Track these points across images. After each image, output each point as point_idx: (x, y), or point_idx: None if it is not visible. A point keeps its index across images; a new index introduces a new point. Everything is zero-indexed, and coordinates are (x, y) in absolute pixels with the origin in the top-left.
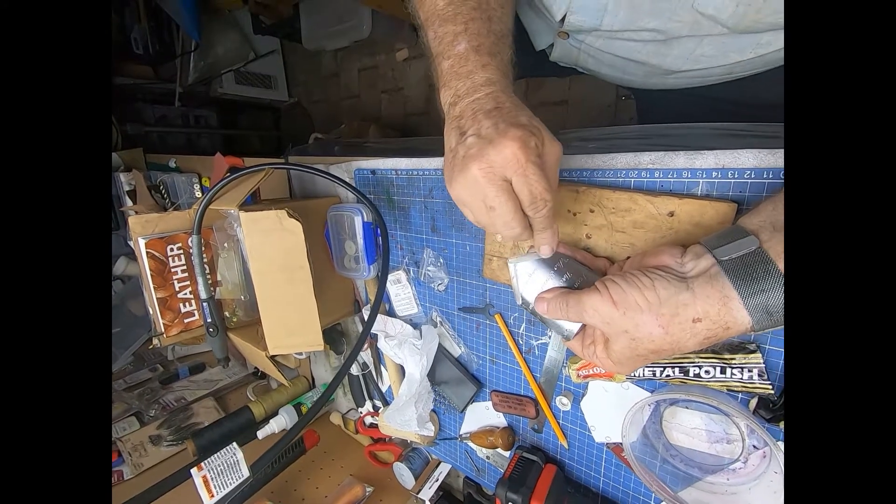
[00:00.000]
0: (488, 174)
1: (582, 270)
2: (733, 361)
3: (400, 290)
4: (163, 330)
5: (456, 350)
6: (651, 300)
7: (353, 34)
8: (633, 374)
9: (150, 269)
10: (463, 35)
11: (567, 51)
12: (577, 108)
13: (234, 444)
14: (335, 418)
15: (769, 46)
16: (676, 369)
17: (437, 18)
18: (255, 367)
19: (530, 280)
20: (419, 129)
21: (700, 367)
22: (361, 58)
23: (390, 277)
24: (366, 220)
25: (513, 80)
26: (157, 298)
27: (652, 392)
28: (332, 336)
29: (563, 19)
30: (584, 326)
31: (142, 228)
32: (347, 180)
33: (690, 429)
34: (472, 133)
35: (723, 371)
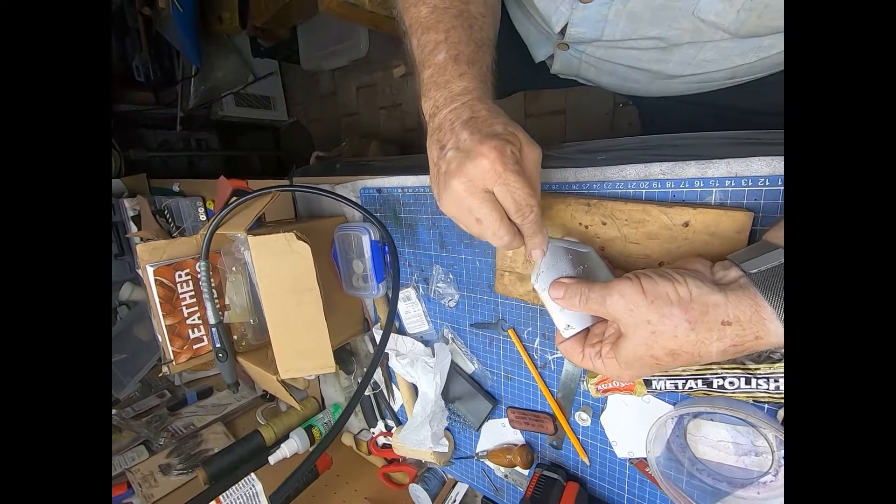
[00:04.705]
0: (469, 187)
1: (608, 277)
2: (758, 372)
3: (410, 307)
4: (172, 358)
5: (469, 367)
6: (682, 294)
7: (352, 53)
8: (654, 388)
9: (159, 297)
10: (443, 44)
11: (568, 62)
12: (575, 116)
13: (253, 475)
14: (346, 439)
15: (771, 49)
16: (699, 381)
17: (420, 27)
18: (264, 390)
19: (551, 268)
20: (418, 144)
21: (724, 378)
22: (359, 76)
23: (399, 295)
24: (373, 238)
25: (492, 86)
26: (167, 326)
27: (674, 405)
28: (342, 356)
29: (563, 31)
30: (587, 329)
31: (150, 256)
32: (354, 199)
33: (716, 441)
34: (450, 147)
35: (748, 382)
